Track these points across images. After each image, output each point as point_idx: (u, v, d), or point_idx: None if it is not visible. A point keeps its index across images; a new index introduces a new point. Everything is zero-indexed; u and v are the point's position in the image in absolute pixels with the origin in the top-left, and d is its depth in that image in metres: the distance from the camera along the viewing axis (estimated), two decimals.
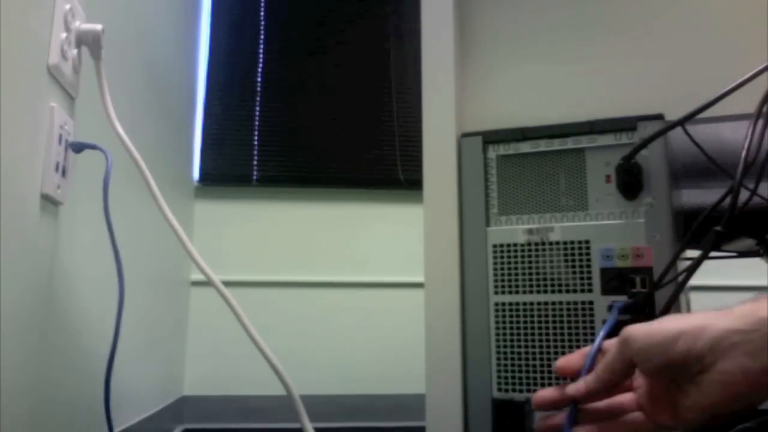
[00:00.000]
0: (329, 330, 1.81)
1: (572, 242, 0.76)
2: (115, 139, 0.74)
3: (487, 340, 0.77)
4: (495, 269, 0.79)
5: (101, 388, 0.91)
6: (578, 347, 0.73)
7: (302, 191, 1.90)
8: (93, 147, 0.75)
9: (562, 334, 0.74)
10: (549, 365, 0.75)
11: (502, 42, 0.90)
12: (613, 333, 0.50)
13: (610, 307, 0.73)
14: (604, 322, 0.73)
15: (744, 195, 0.58)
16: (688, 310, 0.82)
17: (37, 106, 0.67)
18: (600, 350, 0.49)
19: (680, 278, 0.63)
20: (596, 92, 0.85)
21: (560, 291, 0.75)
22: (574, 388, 0.48)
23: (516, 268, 0.78)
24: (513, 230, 0.79)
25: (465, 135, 0.84)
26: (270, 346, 0.69)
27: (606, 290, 0.74)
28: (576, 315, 0.74)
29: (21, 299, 0.64)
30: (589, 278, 0.75)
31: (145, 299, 1.26)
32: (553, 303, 0.75)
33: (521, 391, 0.75)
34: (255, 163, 1.90)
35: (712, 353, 0.39)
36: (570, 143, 0.79)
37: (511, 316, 0.77)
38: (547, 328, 0.75)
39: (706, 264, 0.58)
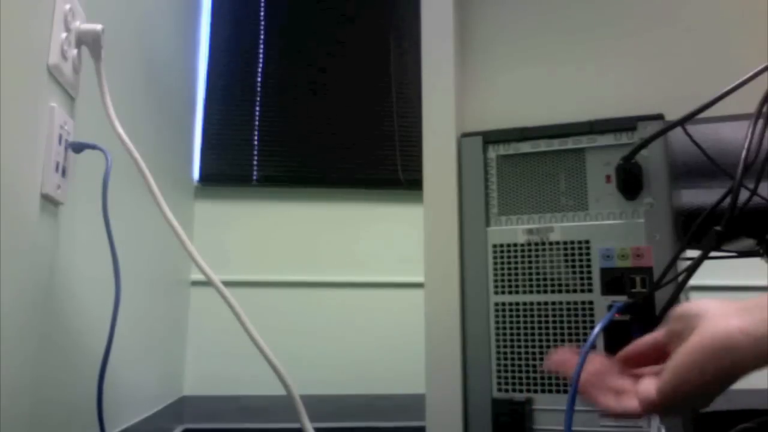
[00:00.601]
0: (329, 330, 1.81)
1: (572, 242, 0.76)
2: (115, 139, 0.74)
3: (487, 340, 0.77)
4: (495, 269, 0.79)
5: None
6: (578, 347, 0.74)
7: (302, 191, 1.90)
8: (93, 147, 0.75)
9: (562, 334, 0.74)
10: None
11: (502, 42, 0.90)
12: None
13: (610, 307, 0.73)
14: None
15: (744, 195, 0.58)
16: None
17: (37, 106, 0.67)
18: (594, 347, 0.49)
19: (680, 278, 0.63)
20: (596, 92, 0.85)
21: (560, 291, 0.75)
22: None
23: (516, 268, 0.78)
24: (513, 230, 0.79)
25: (465, 135, 0.84)
26: (270, 346, 0.69)
27: (606, 290, 0.74)
28: (576, 315, 0.74)
29: (21, 299, 0.64)
30: (589, 278, 0.75)
31: (145, 299, 1.26)
32: (553, 303, 0.75)
33: (521, 391, 0.75)
34: (255, 163, 1.90)
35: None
36: (570, 143, 0.79)
37: (511, 316, 0.77)
38: (547, 328, 0.75)
39: (706, 264, 0.58)
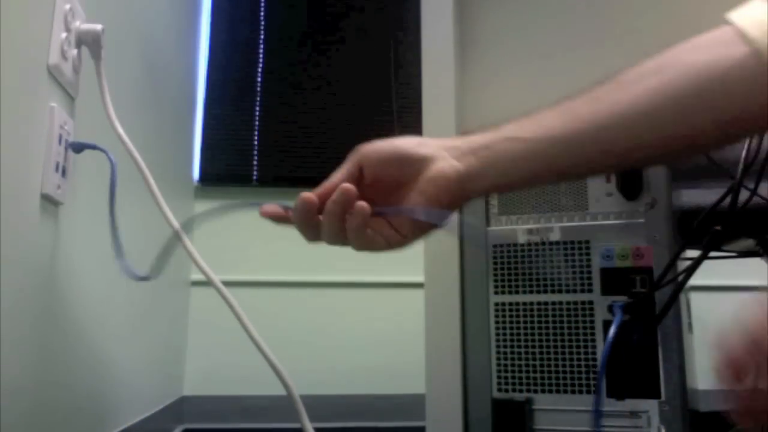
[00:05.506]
0: (329, 330, 1.81)
1: (572, 242, 0.76)
2: (115, 139, 0.74)
3: (487, 341, 0.77)
4: (495, 269, 0.79)
5: (100, 388, 0.91)
6: (578, 347, 0.74)
7: (302, 191, 1.90)
8: (93, 147, 0.75)
9: (562, 334, 0.74)
10: (549, 365, 0.75)
11: (502, 42, 0.90)
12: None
13: (610, 308, 0.73)
14: (604, 322, 0.73)
15: (744, 195, 0.58)
16: (688, 310, 0.82)
17: (37, 106, 0.67)
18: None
19: (680, 278, 0.63)
20: None
21: (560, 291, 0.75)
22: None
23: (516, 268, 0.78)
24: (513, 230, 0.79)
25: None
26: (270, 346, 0.69)
27: (606, 290, 0.74)
28: (576, 315, 0.74)
29: (21, 299, 0.64)
30: (589, 278, 0.75)
31: (145, 299, 1.26)
32: (553, 303, 0.75)
33: (521, 391, 0.75)
34: (255, 163, 1.89)
35: (431, 157, 0.53)
36: None
37: (511, 316, 0.77)
38: (547, 328, 0.75)
39: (706, 264, 0.58)
